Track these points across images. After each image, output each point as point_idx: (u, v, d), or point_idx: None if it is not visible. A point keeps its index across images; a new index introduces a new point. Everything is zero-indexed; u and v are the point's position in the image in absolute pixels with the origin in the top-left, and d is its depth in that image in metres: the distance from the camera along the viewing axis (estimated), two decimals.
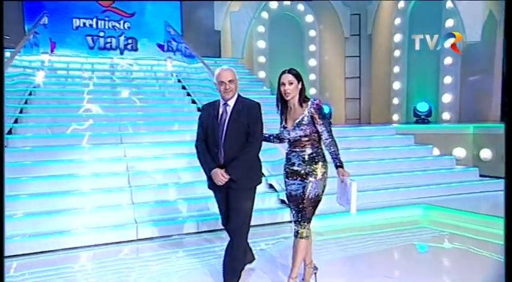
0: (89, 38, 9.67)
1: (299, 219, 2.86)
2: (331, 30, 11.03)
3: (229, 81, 2.86)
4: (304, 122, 2.82)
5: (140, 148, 5.66)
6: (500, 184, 5.91)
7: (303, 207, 2.83)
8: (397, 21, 10.00)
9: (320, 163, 2.84)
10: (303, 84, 2.89)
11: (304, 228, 2.85)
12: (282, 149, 3.18)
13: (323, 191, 2.87)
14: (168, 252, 4.05)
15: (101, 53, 9.68)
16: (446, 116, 8.71)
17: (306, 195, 2.82)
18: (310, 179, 2.81)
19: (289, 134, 2.87)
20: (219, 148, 2.88)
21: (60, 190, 4.68)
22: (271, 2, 10.47)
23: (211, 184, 2.94)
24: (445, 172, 6.11)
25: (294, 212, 2.91)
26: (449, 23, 8.63)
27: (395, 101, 10.06)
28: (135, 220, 4.45)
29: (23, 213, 4.25)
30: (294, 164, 2.87)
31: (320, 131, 2.83)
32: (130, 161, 5.34)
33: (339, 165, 2.83)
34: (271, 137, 3.12)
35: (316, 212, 2.92)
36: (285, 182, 2.96)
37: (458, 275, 3.47)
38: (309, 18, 10.85)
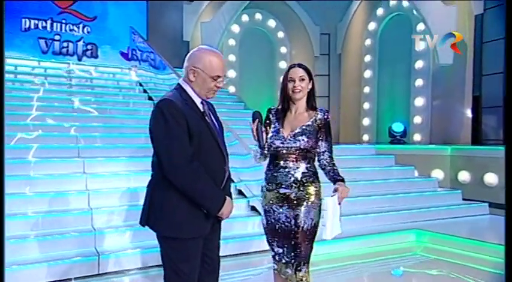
0: (42, 41, 8.70)
1: (293, 261, 2.24)
2: (301, 48, 10.93)
3: (224, 76, 2.05)
4: (307, 132, 2.25)
5: (101, 163, 4.92)
6: (484, 208, 5.85)
7: (296, 244, 2.22)
8: (368, 42, 10.08)
9: (315, 184, 2.29)
10: (313, 84, 2.36)
11: (301, 270, 2.23)
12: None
13: (319, 218, 2.29)
14: None
15: (55, 58, 8.73)
16: (417, 137, 8.72)
17: (300, 227, 2.22)
18: (304, 205, 2.23)
19: (283, 143, 2.26)
20: (227, 164, 2.06)
21: (22, 211, 3.90)
22: (242, 15, 10.19)
23: (195, 229, 1.95)
24: (430, 195, 5.90)
25: (280, 250, 2.28)
26: (421, 45, 8.74)
27: (366, 121, 10.03)
28: (96, 250, 3.71)
29: None
30: (280, 184, 2.25)
31: (321, 149, 2.29)
32: (90, 177, 4.59)
33: (339, 179, 2.25)
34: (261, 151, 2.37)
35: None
36: (265, 210, 2.32)
37: None
38: (280, 34, 10.68)
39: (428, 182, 6.30)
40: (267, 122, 2.39)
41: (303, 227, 2.22)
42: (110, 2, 9.20)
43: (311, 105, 2.34)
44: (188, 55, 2.05)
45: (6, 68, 7.58)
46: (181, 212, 1.90)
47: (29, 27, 8.57)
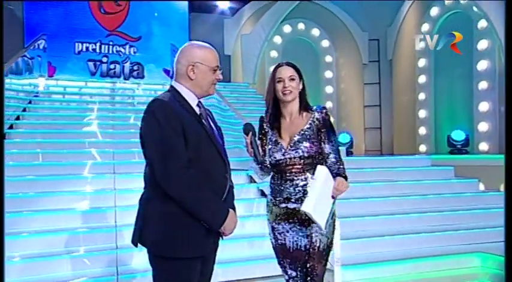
0: (91, 64, 9.13)
1: None
2: (348, 56, 10.44)
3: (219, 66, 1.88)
4: (307, 137, 2.06)
5: (133, 178, 4.84)
6: None
7: (312, 267, 2.03)
8: (422, 45, 9.31)
9: None
10: (304, 84, 2.19)
11: None
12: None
13: (333, 235, 2.10)
14: None
15: (103, 79, 9.13)
16: (483, 146, 7.74)
17: (316, 247, 2.03)
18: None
19: (283, 154, 2.06)
20: (228, 172, 1.86)
21: (55, 228, 3.90)
22: (284, 26, 9.97)
23: (195, 247, 1.73)
24: (497, 212, 5.06)
25: (294, 273, 2.09)
26: (483, 44, 7.87)
27: (422, 130, 9.21)
28: (117, 270, 3.54)
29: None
30: (288, 199, 2.05)
31: (327, 151, 2.07)
32: (119, 193, 4.51)
33: (342, 176, 2.03)
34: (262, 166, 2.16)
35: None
36: (273, 228, 2.12)
37: None
38: (325, 43, 10.28)
39: (497, 197, 5.43)
40: (262, 132, 2.18)
41: (318, 247, 2.03)
42: (154, 21, 9.46)
43: (304, 106, 2.14)
44: (179, 54, 1.88)
45: (57, 89, 8.03)
46: (180, 227, 1.70)
47: (81, 50, 9.05)
